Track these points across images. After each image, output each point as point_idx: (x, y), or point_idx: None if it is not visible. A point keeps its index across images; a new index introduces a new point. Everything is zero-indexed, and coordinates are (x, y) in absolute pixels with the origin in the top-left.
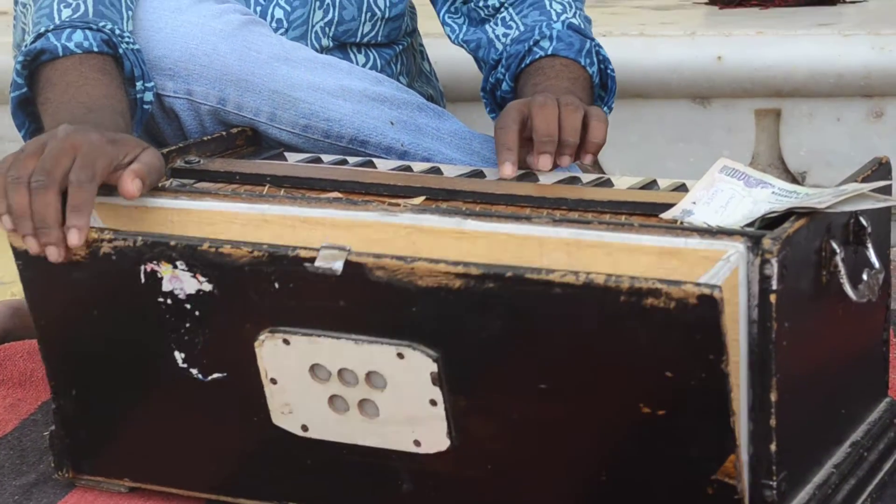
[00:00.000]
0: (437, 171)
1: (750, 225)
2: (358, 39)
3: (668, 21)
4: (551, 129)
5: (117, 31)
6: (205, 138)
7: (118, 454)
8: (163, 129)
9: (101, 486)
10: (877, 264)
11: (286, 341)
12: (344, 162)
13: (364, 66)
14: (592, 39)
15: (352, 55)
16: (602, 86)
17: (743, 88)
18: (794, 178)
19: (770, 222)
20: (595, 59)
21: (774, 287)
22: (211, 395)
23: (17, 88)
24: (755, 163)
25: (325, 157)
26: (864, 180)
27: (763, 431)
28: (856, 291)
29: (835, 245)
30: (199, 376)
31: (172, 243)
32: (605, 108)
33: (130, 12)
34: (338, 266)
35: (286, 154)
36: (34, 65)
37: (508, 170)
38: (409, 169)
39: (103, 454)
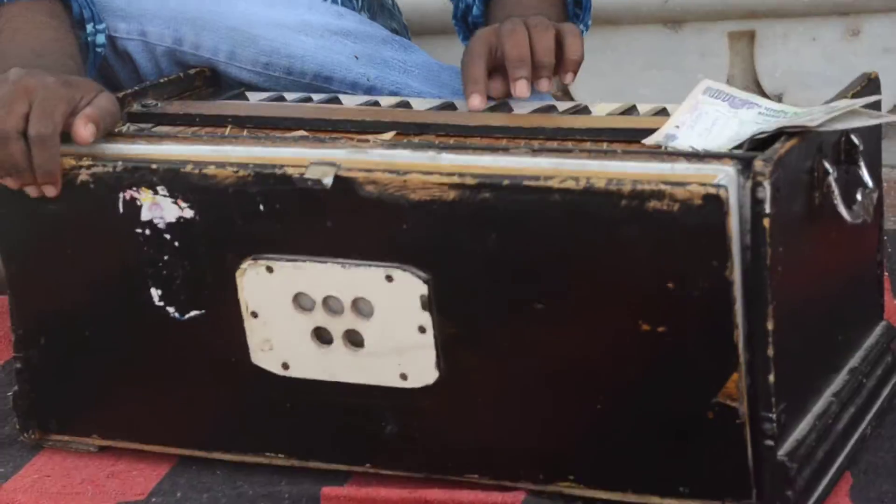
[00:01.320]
0: (406, 105)
1: (738, 147)
2: None
3: None
4: (523, 53)
5: None
6: (161, 80)
7: (88, 410)
8: (118, 72)
9: (69, 447)
10: (870, 183)
11: (269, 269)
12: (309, 99)
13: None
14: None
15: None
16: (576, 3)
17: (716, 11)
18: (769, 99)
19: (758, 144)
20: None
21: (767, 211)
22: (187, 337)
23: None
24: (729, 86)
25: (289, 96)
26: (853, 97)
27: (760, 362)
28: (850, 212)
29: (827, 165)
30: (176, 315)
31: (154, 167)
32: (582, 25)
33: None
34: (328, 181)
35: (247, 94)
36: None
37: (476, 101)
38: (377, 104)
39: (72, 411)
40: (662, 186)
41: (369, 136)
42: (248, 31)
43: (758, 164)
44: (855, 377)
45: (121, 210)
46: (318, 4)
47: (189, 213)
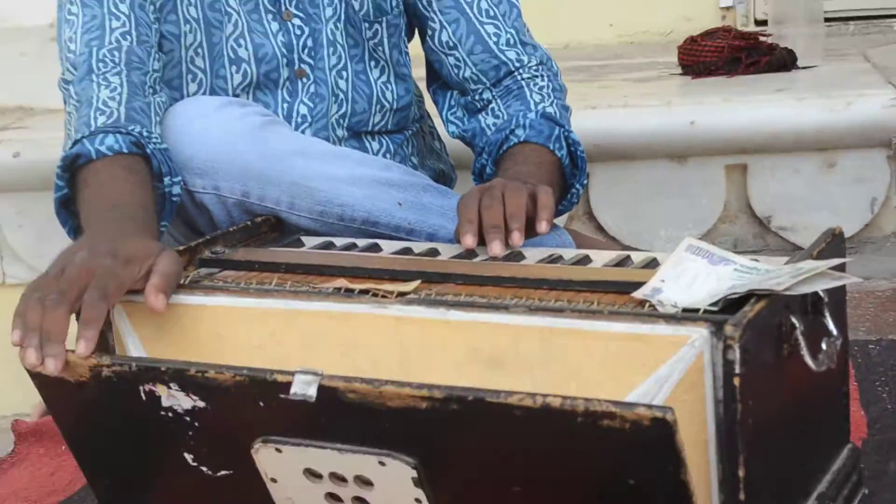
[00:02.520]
0: (434, 252)
1: (714, 304)
2: (370, 129)
3: (648, 92)
4: (496, 220)
5: (145, 133)
6: (231, 229)
7: None
8: (196, 219)
9: None
10: (834, 332)
11: (278, 450)
12: (352, 246)
13: (377, 151)
14: (563, 126)
15: (366, 143)
16: (573, 165)
17: (714, 148)
18: (760, 222)
19: (732, 302)
20: (564, 144)
21: (737, 371)
22: (223, 489)
23: (59, 190)
24: (726, 210)
25: (338, 241)
26: (819, 254)
27: None
28: (815, 361)
29: (794, 320)
30: (209, 472)
31: (163, 368)
32: (578, 185)
33: (158, 118)
34: (312, 392)
35: (303, 239)
36: (72, 168)
37: (469, 240)
38: (409, 251)
39: None
40: (613, 408)
41: (394, 287)
42: (305, 185)
43: (728, 329)
44: (822, 502)
45: (143, 398)
46: (368, 158)
47: (201, 404)
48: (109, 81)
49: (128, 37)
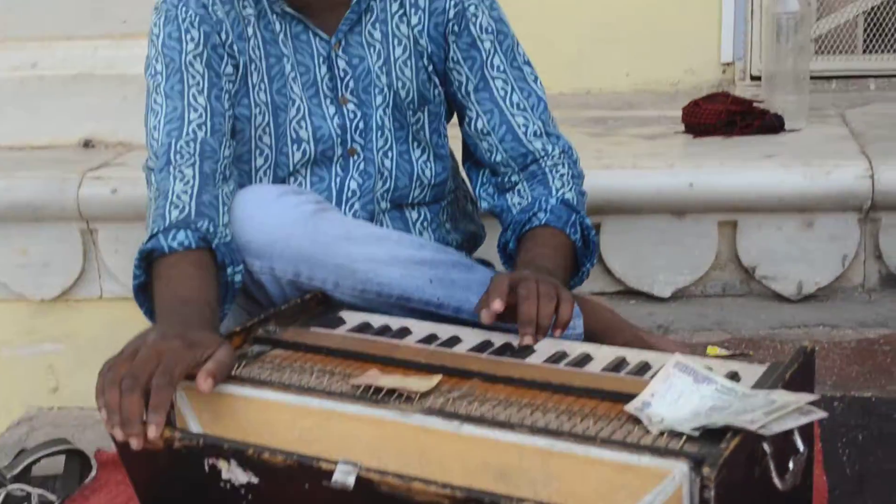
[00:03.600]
0: (455, 340)
1: (696, 428)
2: (410, 201)
3: (654, 152)
4: (532, 317)
5: (212, 229)
6: (283, 307)
7: None
8: (254, 293)
9: None
10: (801, 448)
11: None
12: (386, 329)
13: (416, 220)
14: (579, 213)
15: (406, 213)
16: (585, 247)
17: (709, 207)
18: (746, 271)
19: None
20: (579, 229)
21: None
22: None
23: (136, 278)
24: (717, 259)
25: (374, 321)
26: (791, 376)
27: None
28: (783, 482)
29: (765, 446)
30: None
31: (226, 446)
32: (589, 264)
33: (226, 207)
34: (350, 481)
35: (343, 316)
36: (149, 259)
37: (498, 304)
38: (435, 338)
39: None
40: None
41: (418, 383)
42: (348, 266)
43: (705, 470)
44: None
45: (206, 469)
46: (405, 238)
47: (255, 480)
48: (184, 174)
49: (203, 127)
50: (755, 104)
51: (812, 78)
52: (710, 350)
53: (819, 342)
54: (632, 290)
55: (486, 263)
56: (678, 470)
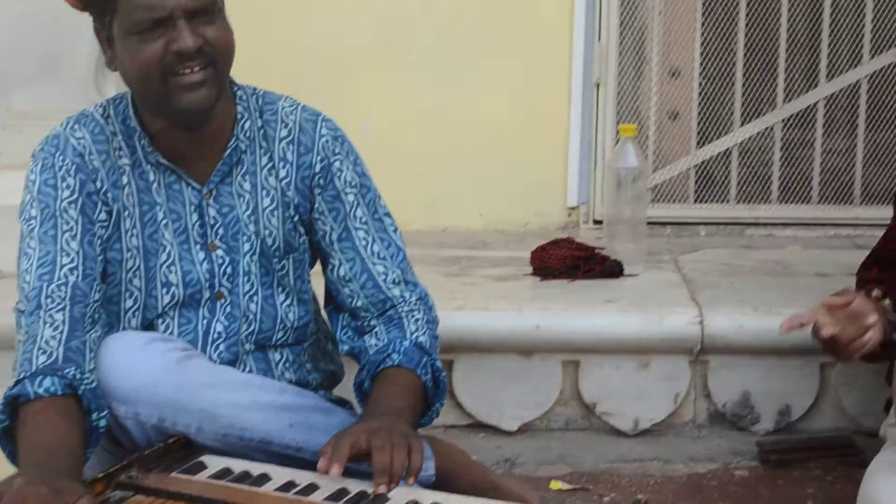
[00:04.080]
0: (313, 487)
1: None
2: (273, 343)
3: (505, 294)
4: (385, 467)
5: (78, 376)
6: (145, 452)
7: None
8: (119, 437)
9: None
10: None
11: None
12: (246, 476)
13: (278, 361)
14: (431, 356)
15: (269, 354)
16: (436, 387)
17: (553, 347)
18: (587, 407)
19: None
20: (430, 370)
21: None
22: None
23: (1, 423)
24: (561, 395)
25: (235, 467)
26: None
27: None
28: None
29: None
30: None
31: None
32: (439, 404)
33: (92, 353)
34: None
35: (204, 461)
36: (14, 404)
37: (334, 471)
38: (293, 485)
39: None
40: None
41: None
42: (211, 412)
43: None
44: None
45: None
46: (266, 383)
47: None
48: (54, 319)
49: (75, 272)
50: (597, 250)
51: (649, 223)
52: (553, 484)
53: (653, 476)
54: (481, 424)
55: (343, 402)
56: None
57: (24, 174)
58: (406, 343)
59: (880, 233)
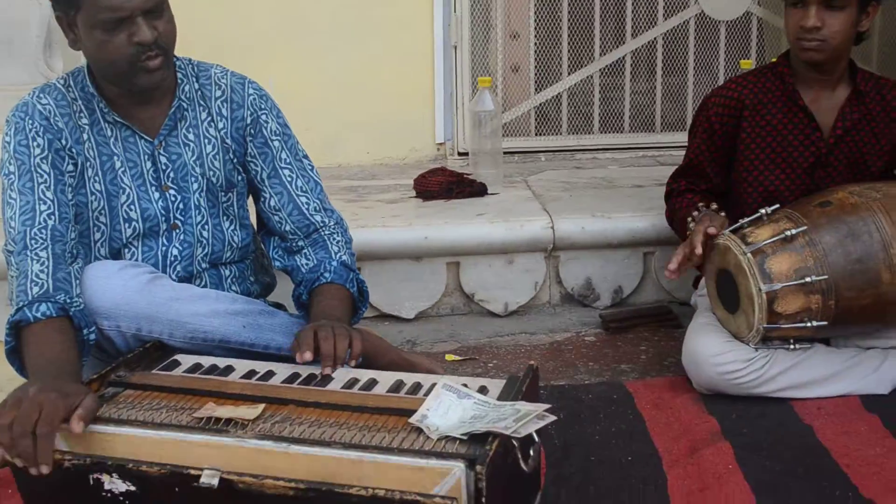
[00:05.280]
0: (270, 374)
1: (465, 434)
2: (223, 261)
3: (396, 214)
4: (330, 352)
5: (68, 301)
6: (129, 356)
7: None
8: (105, 346)
9: None
10: (536, 440)
11: None
12: (214, 368)
13: (228, 276)
14: (354, 271)
15: (221, 270)
16: (360, 295)
17: (439, 252)
18: (468, 296)
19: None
20: (355, 283)
21: (485, 493)
22: None
23: (7, 344)
24: (447, 289)
25: (204, 361)
26: (527, 389)
27: None
28: (527, 465)
29: (514, 442)
30: None
31: (109, 462)
32: (363, 308)
33: (77, 280)
34: (215, 482)
35: (178, 359)
36: (17, 328)
37: (307, 356)
38: (254, 373)
39: None
40: (418, 497)
41: (249, 412)
42: (178, 321)
43: (478, 468)
44: None
45: (91, 483)
46: (221, 295)
47: (133, 488)
48: (39, 256)
49: (52, 217)
50: (465, 175)
51: (503, 153)
52: (448, 357)
53: (523, 346)
54: (386, 314)
55: (279, 306)
56: (458, 468)
57: None
58: (334, 262)
59: (678, 153)
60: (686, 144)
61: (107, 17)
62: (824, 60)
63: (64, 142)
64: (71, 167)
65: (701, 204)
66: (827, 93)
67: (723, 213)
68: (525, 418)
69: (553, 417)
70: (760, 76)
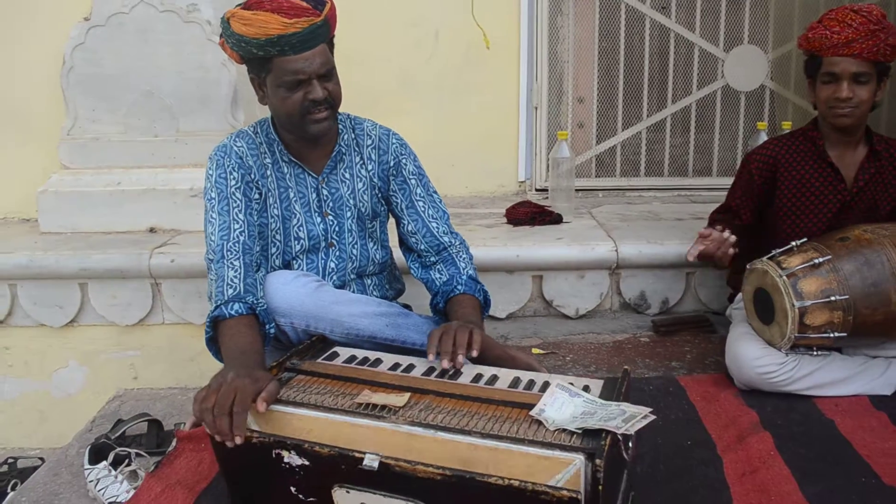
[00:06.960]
0: (411, 367)
1: (580, 428)
2: (367, 273)
3: (494, 236)
4: (448, 347)
5: (255, 301)
6: (300, 347)
7: None
8: (281, 339)
9: None
10: (631, 432)
11: (348, 491)
12: (365, 360)
13: (370, 284)
14: (480, 284)
15: (365, 280)
16: (486, 304)
17: (526, 267)
18: (548, 303)
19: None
20: (481, 293)
21: (601, 482)
22: None
23: (207, 334)
24: (531, 297)
25: (358, 353)
26: (625, 390)
27: None
28: (628, 455)
29: (619, 437)
30: (303, 498)
31: (288, 442)
32: (487, 313)
33: (261, 286)
34: (375, 464)
35: (338, 350)
36: (215, 322)
37: (432, 358)
38: (398, 365)
39: None
40: (547, 489)
41: (398, 399)
42: (338, 320)
43: (597, 461)
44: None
45: (273, 456)
46: (370, 300)
47: (307, 463)
48: (233, 265)
49: (243, 234)
50: (546, 207)
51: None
52: (534, 350)
53: (592, 343)
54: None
55: (407, 307)
56: (578, 459)
57: (189, 172)
58: (464, 276)
59: (706, 193)
60: (712, 186)
61: (290, 79)
62: (853, 125)
63: (252, 176)
64: (257, 196)
65: (718, 227)
66: (850, 152)
67: (727, 234)
68: (632, 419)
69: (654, 418)
70: (793, 138)
